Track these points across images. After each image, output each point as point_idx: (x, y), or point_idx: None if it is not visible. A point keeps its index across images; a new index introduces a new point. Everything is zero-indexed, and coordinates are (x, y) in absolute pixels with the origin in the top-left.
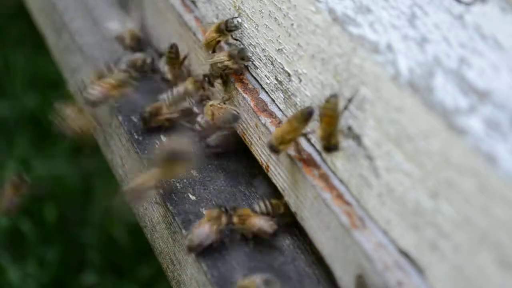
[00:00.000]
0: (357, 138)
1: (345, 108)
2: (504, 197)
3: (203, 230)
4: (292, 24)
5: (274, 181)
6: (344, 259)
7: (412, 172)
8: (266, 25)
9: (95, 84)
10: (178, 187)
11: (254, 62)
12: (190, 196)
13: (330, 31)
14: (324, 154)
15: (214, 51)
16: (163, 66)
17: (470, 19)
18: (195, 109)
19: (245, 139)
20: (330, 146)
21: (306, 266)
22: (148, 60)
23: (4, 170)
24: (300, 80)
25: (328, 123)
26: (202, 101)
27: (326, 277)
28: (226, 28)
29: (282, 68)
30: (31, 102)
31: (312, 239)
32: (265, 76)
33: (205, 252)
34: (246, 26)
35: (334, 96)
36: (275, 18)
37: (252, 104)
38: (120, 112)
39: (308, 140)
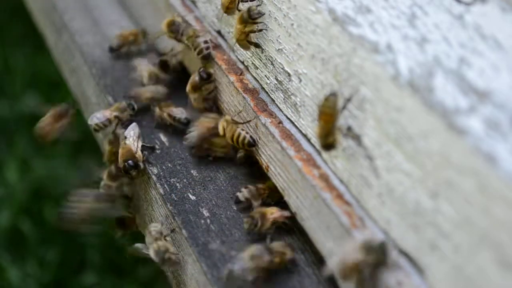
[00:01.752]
0: (357, 138)
1: (344, 107)
2: (504, 197)
3: None
4: (292, 24)
5: (274, 181)
6: None
7: (412, 172)
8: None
9: None
10: (178, 187)
11: (254, 63)
12: (190, 196)
13: (330, 31)
14: (324, 154)
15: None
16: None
17: (470, 19)
18: None
19: None
20: (328, 144)
21: (306, 266)
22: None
23: (4, 170)
24: (300, 80)
25: (326, 122)
26: None
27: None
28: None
29: (282, 68)
30: (31, 102)
31: (312, 239)
32: (265, 76)
33: (205, 252)
34: None
35: (333, 95)
36: (275, 18)
37: (252, 104)
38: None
39: (308, 140)
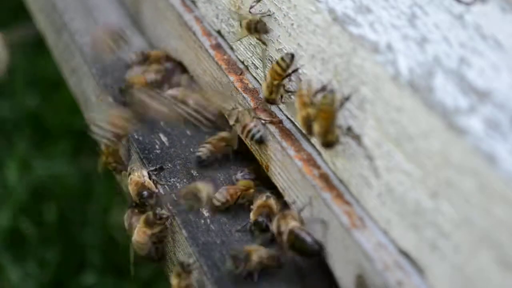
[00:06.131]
0: (357, 138)
1: (342, 105)
2: (504, 197)
3: None
4: (292, 24)
5: (274, 180)
6: (344, 259)
7: (412, 172)
8: None
9: None
10: (178, 187)
11: (254, 62)
12: None
13: (330, 31)
14: (324, 154)
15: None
16: None
17: (470, 19)
18: None
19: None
20: (328, 142)
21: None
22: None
23: (4, 170)
24: (300, 80)
25: (325, 119)
26: None
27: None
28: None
29: None
30: (31, 102)
31: None
32: (265, 76)
33: (205, 252)
34: None
35: (331, 92)
36: (275, 18)
37: (252, 104)
38: None
39: (308, 140)
